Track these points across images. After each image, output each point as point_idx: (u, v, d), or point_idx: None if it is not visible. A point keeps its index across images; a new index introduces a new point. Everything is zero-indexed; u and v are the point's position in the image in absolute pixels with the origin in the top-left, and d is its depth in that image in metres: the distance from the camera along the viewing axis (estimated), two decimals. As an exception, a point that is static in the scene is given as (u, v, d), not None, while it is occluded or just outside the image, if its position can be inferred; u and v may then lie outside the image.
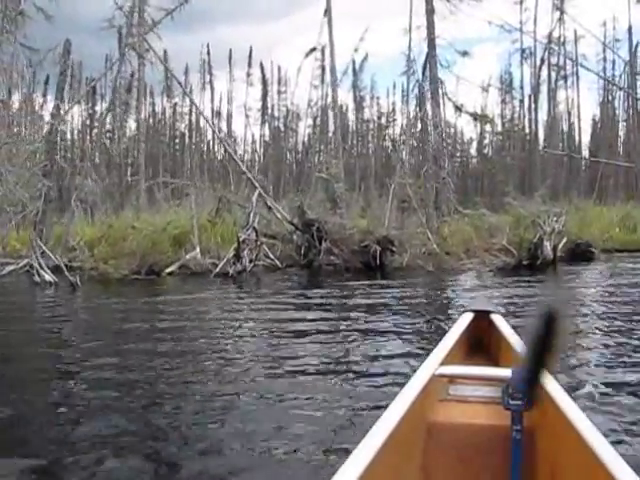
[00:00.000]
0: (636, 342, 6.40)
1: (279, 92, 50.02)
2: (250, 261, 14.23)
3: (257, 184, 16.92)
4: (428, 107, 20.68)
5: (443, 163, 19.64)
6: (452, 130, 44.38)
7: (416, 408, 2.02)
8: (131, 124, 41.04)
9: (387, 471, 1.74)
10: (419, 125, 22.76)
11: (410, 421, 1.94)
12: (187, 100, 44.56)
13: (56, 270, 13.39)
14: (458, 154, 49.54)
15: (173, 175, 37.21)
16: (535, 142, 39.66)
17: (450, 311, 9.14)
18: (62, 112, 18.34)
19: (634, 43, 39.27)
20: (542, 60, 39.19)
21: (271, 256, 15.23)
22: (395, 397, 1.99)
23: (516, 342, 2.61)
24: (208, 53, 49.37)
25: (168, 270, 14.16)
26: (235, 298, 11.04)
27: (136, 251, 14.08)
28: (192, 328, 7.71)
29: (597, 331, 7.03)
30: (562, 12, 36.13)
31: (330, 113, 30.85)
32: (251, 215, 14.87)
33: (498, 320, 3.09)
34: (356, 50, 39.77)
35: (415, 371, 2.30)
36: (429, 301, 10.44)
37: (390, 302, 9.82)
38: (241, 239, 14.19)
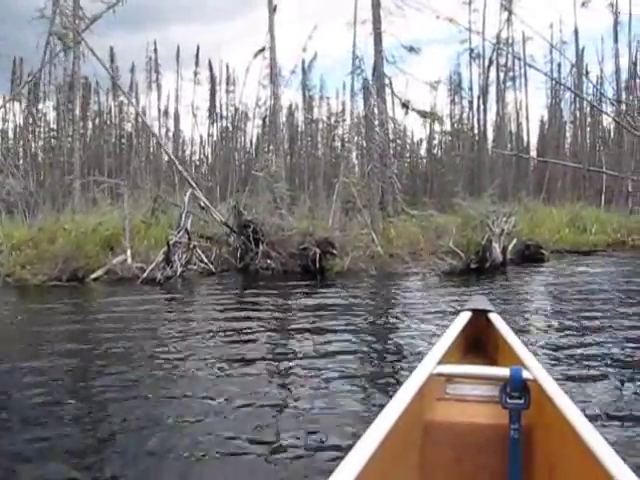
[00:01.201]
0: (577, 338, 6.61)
1: (227, 91, 49.12)
2: (181, 265, 13.24)
3: (192, 183, 15.92)
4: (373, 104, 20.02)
5: (389, 162, 18.96)
6: (401, 128, 44.07)
7: (414, 407, 2.03)
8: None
9: (384, 470, 1.76)
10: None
11: (407, 420, 1.95)
12: (133, 99, 43.39)
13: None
14: (407, 154, 49.38)
15: (117, 175, 35.84)
16: (484, 142, 39.68)
17: (385, 318, 8.59)
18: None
19: (580, 45, 39.58)
20: (490, 61, 39.20)
21: (205, 260, 14.20)
22: (393, 396, 1.97)
23: (514, 342, 2.64)
24: (155, 51, 48.22)
25: (93, 276, 13.05)
26: (159, 306, 10.16)
27: (59, 255, 12.99)
28: (91, 344, 6.78)
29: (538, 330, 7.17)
30: (510, 13, 36.25)
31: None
32: (183, 216, 13.87)
33: (496, 319, 3.06)
34: (304, 50, 38.87)
35: (412, 370, 2.25)
36: (365, 308, 9.70)
37: (326, 308, 9.16)
38: (172, 242, 13.18)
